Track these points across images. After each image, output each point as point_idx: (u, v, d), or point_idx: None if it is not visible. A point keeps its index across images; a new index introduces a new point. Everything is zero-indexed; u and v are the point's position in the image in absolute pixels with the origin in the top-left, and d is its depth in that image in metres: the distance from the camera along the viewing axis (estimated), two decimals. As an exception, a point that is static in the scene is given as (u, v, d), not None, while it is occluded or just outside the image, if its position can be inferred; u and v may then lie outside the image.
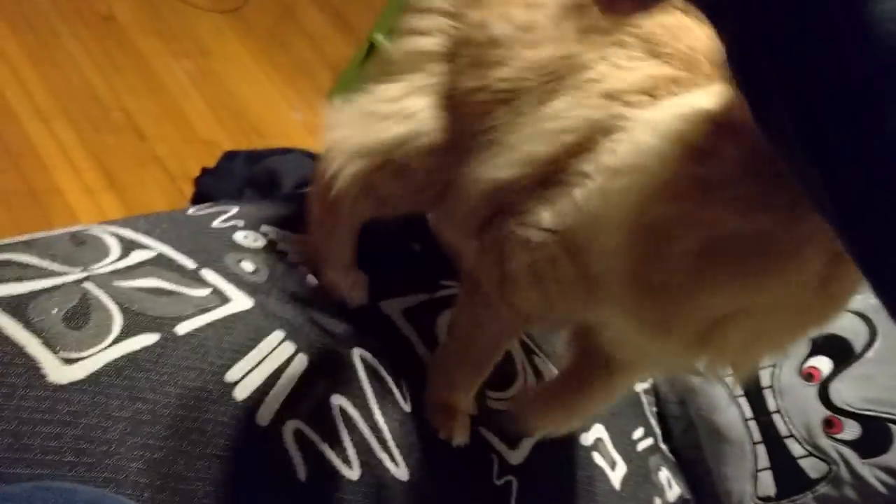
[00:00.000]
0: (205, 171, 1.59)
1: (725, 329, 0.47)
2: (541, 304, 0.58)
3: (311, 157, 1.68)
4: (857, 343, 1.03)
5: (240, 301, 0.72)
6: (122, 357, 0.59)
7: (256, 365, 0.67)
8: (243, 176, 1.55)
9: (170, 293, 0.69)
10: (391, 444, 0.70)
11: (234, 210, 0.86)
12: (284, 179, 1.45)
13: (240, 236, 0.81)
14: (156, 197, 1.48)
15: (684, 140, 0.41)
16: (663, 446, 1.10)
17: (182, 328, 0.65)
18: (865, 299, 1.06)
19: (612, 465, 0.92)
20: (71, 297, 0.62)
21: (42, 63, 1.56)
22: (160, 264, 0.71)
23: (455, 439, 0.73)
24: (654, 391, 1.18)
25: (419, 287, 0.87)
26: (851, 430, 0.97)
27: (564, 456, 0.86)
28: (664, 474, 1.02)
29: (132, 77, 1.70)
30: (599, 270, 0.48)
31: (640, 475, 0.96)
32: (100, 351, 0.59)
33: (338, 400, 0.68)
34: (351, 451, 0.67)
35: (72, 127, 1.49)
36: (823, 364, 1.03)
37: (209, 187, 1.53)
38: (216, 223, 0.82)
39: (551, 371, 0.94)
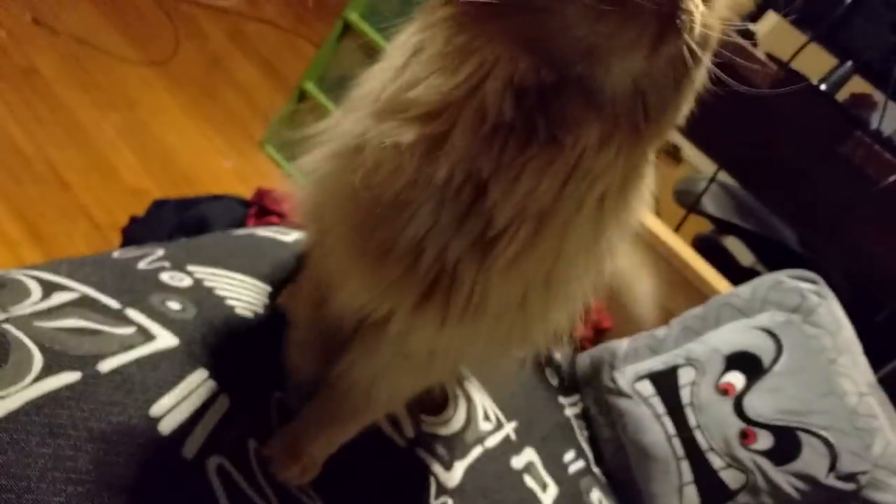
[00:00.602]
0: (133, 219, 1.57)
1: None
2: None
3: (242, 203, 1.69)
4: (766, 358, 1.10)
5: (165, 339, 0.72)
6: (42, 395, 0.59)
7: (181, 401, 0.67)
8: (173, 223, 1.54)
9: (93, 332, 0.68)
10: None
11: (160, 252, 0.87)
12: (215, 225, 1.45)
13: (166, 276, 0.82)
14: (81, 248, 1.45)
15: None
16: (596, 469, 1.13)
17: (105, 365, 0.65)
18: (772, 317, 1.14)
19: (544, 487, 0.94)
20: (-12, 338, 0.61)
21: (-41, 116, 1.53)
22: (83, 305, 0.71)
23: (295, 481, 0.68)
24: (586, 416, 1.22)
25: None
26: (765, 440, 1.03)
27: (497, 479, 0.88)
28: (596, 495, 1.05)
29: (56, 129, 1.68)
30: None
31: (571, 496, 0.98)
32: (19, 390, 0.58)
33: (254, 443, 0.69)
34: (269, 490, 0.67)
35: (-9, 180, 1.45)
36: (737, 379, 1.10)
37: (138, 235, 1.51)
38: (142, 265, 0.82)
39: (478, 394, 0.97)
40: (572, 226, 0.46)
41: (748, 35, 1.50)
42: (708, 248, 2.17)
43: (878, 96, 1.44)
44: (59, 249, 1.42)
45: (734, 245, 2.20)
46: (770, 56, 1.43)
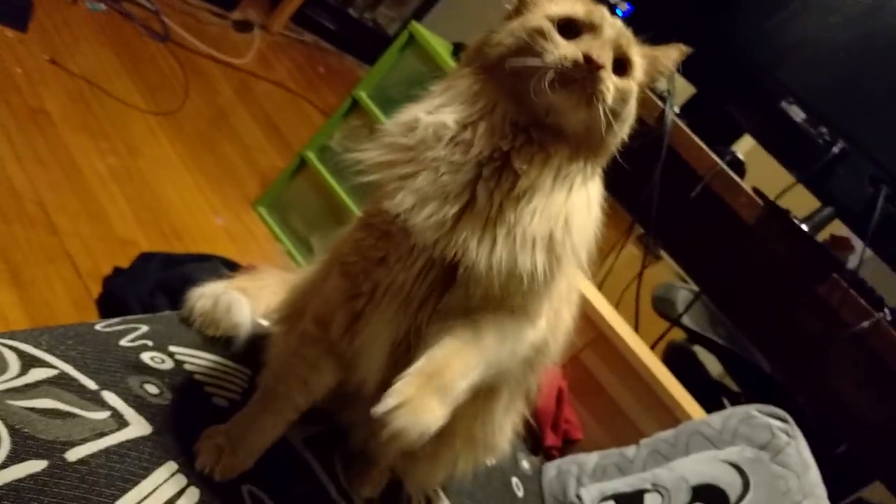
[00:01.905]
0: (117, 270, 1.56)
1: None
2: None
3: (230, 265, 1.69)
4: (732, 494, 1.10)
5: (138, 426, 0.72)
6: (5, 486, 0.58)
7: (146, 497, 0.65)
8: (156, 279, 1.53)
9: (66, 415, 0.68)
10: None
11: (144, 329, 0.86)
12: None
13: (147, 357, 0.81)
14: (60, 295, 1.43)
15: None
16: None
17: (73, 454, 0.64)
18: (741, 452, 1.15)
19: None
20: (-41, 416, 0.61)
21: (-41, 149, 1.54)
22: (60, 384, 0.70)
23: (218, 475, 0.72)
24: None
25: (320, 417, 0.88)
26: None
27: None
28: None
29: (54, 171, 1.68)
30: None
31: None
32: (-18, 478, 0.57)
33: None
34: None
35: (-21, 216, 1.45)
36: (702, 513, 1.09)
37: (119, 288, 1.50)
38: (124, 342, 0.82)
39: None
40: (566, 190, 0.68)
41: (737, 166, 1.57)
42: (680, 357, 2.20)
43: (858, 240, 1.50)
44: (36, 293, 1.40)
45: (704, 356, 2.23)
46: (756, 191, 1.49)
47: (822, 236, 1.51)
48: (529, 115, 0.66)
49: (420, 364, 0.65)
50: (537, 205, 0.67)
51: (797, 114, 1.45)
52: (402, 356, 0.73)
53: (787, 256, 1.44)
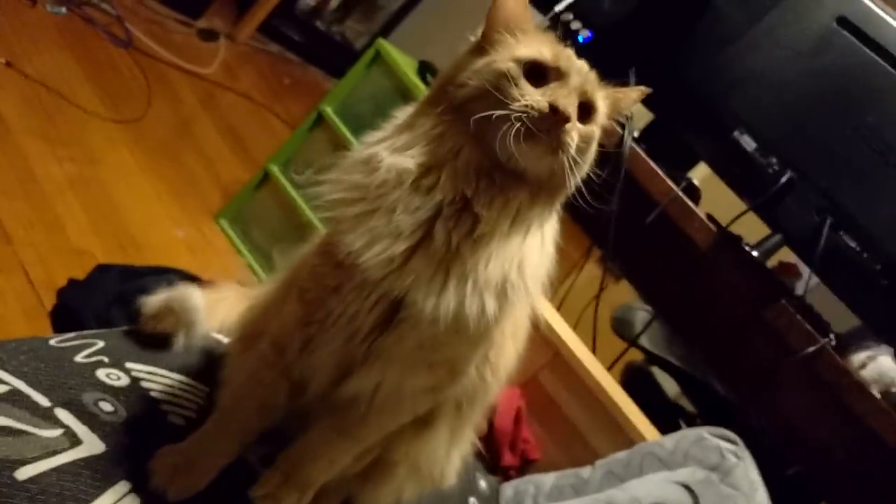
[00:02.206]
0: (72, 282, 1.52)
1: None
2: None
3: (190, 278, 1.66)
4: (683, 514, 1.13)
5: (92, 444, 0.70)
6: (-49, 506, 0.56)
7: (98, 517, 0.64)
8: (113, 292, 1.50)
9: (17, 432, 0.66)
10: None
11: (101, 344, 0.85)
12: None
13: (102, 374, 0.80)
14: (11, 305, 1.39)
15: None
16: None
17: (22, 473, 0.63)
18: (693, 473, 1.18)
19: None
20: None
21: None
22: (11, 400, 0.69)
23: (172, 495, 0.71)
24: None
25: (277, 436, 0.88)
26: None
27: None
28: None
29: (8, 177, 1.63)
30: None
31: None
32: (-74, 498, 0.55)
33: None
34: None
35: (-72, 223, 1.40)
36: (653, 533, 1.12)
37: (73, 301, 1.46)
38: (79, 357, 0.81)
39: None
40: (523, 234, 0.69)
41: (692, 192, 1.62)
42: (637, 378, 2.25)
43: (804, 266, 1.56)
44: (-14, 305, 1.36)
45: (662, 377, 2.28)
46: (710, 217, 1.54)
47: (771, 262, 1.56)
48: (492, 160, 0.66)
49: (289, 456, 0.78)
50: (493, 249, 0.67)
51: (748, 143, 1.51)
52: (345, 377, 0.74)
53: (738, 281, 1.48)
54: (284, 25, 3.58)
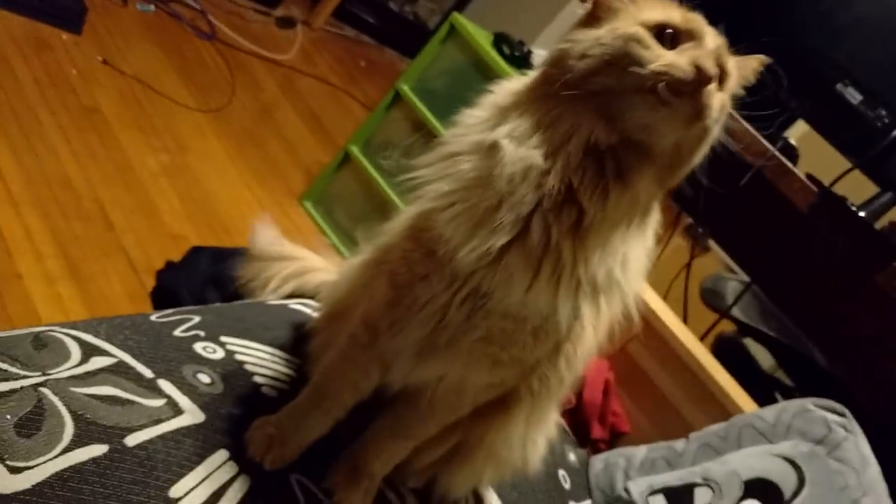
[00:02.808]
0: (169, 264, 1.61)
1: None
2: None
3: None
4: (787, 489, 1.07)
5: (192, 414, 0.73)
6: (69, 468, 0.60)
7: (200, 482, 0.67)
8: (207, 274, 1.57)
9: (125, 402, 0.70)
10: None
11: (196, 319, 0.88)
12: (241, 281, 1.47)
13: (199, 347, 0.83)
14: (116, 288, 1.48)
15: None
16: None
17: (132, 439, 0.66)
18: (796, 446, 1.12)
19: None
20: (26, 402, 0.63)
21: (21, 150, 1.60)
22: (118, 372, 0.73)
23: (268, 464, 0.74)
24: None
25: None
26: (780, 577, 1.00)
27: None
28: None
29: (109, 168, 1.74)
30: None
31: None
32: (48, 460, 0.59)
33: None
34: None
35: (40, 213, 1.50)
36: (755, 508, 1.07)
37: (171, 282, 1.55)
38: (178, 332, 0.84)
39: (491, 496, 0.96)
40: (631, 222, 0.64)
41: (789, 152, 1.52)
42: (730, 349, 2.15)
43: (919, 227, 1.43)
44: (94, 288, 1.46)
45: (755, 348, 2.17)
46: (811, 177, 1.44)
47: (880, 223, 1.45)
48: (616, 136, 0.60)
49: (353, 451, 0.80)
50: (596, 247, 0.62)
51: (854, 96, 1.40)
52: (427, 358, 0.73)
53: (845, 244, 1.39)
54: (358, 8, 3.62)
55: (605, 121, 0.60)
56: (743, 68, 0.66)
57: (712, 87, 0.58)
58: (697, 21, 0.61)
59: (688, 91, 0.57)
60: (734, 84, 0.64)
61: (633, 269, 0.66)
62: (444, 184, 0.65)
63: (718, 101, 0.60)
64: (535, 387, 0.79)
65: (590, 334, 0.75)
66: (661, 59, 0.58)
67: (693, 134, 0.60)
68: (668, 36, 0.60)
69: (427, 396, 0.76)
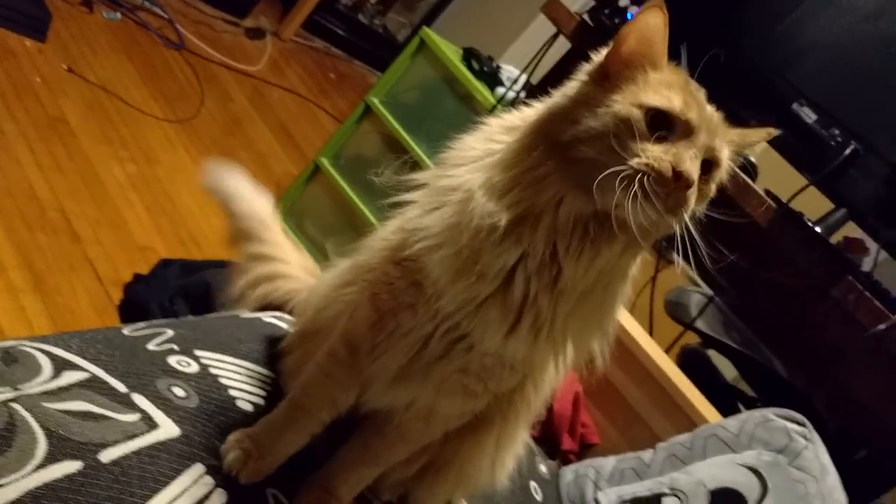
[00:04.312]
0: (137, 277, 1.58)
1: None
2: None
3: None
4: (751, 498, 1.10)
5: (167, 428, 0.73)
6: (43, 486, 0.59)
7: (176, 497, 0.67)
8: (176, 285, 1.56)
9: (98, 417, 0.69)
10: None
11: (170, 333, 0.88)
12: (218, 293, 1.46)
13: (173, 360, 0.83)
14: (82, 301, 1.46)
15: None
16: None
17: (106, 455, 0.66)
18: (759, 456, 1.15)
19: None
20: (-3, 418, 0.62)
21: (-17, 159, 1.57)
22: (91, 387, 0.72)
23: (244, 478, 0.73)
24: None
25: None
26: (744, 584, 1.02)
27: None
28: None
29: (75, 179, 1.71)
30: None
31: None
32: (20, 478, 0.59)
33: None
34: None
35: (3, 224, 1.47)
36: (720, 516, 1.09)
37: (140, 295, 1.53)
38: (151, 346, 0.84)
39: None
40: (604, 288, 0.66)
41: (749, 169, 1.57)
42: (694, 361, 2.20)
43: (872, 241, 1.50)
44: (60, 301, 1.43)
45: (718, 360, 2.22)
46: (769, 193, 1.49)
47: (835, 238, 1.51)
48: (592, 208, 0.61)
49: (323, 473, 0.79)
50: (575, 303, 0.64)
51: (808, 115, 1.46)
52: (399, 383, 0.74)
53: (802, 259, 1.44)
54: (327, 20, 3.63)
55: (584, 192, 0.60)
56: (743, 142, 0.67)
57: (691, 190, 0.59)
58: (696, 112, 0.61)
59: (663, 191, 0.58)
60: (723, 173, 0.65)
61: (607, 324, 0.69)
62: (431, 221, 0.67)
63: (701, 194, 0.61)
64: (504, 411, 0.80)
65: (555, 363, 0.77)
66: (645, 154, 0.58)
67: (671, 222, 0.60)
68: (664, 122, 0.60)
69: (395, 423, 0.77)
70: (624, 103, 0.60)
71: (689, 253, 0.64)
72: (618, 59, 0.63)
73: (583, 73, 0.65)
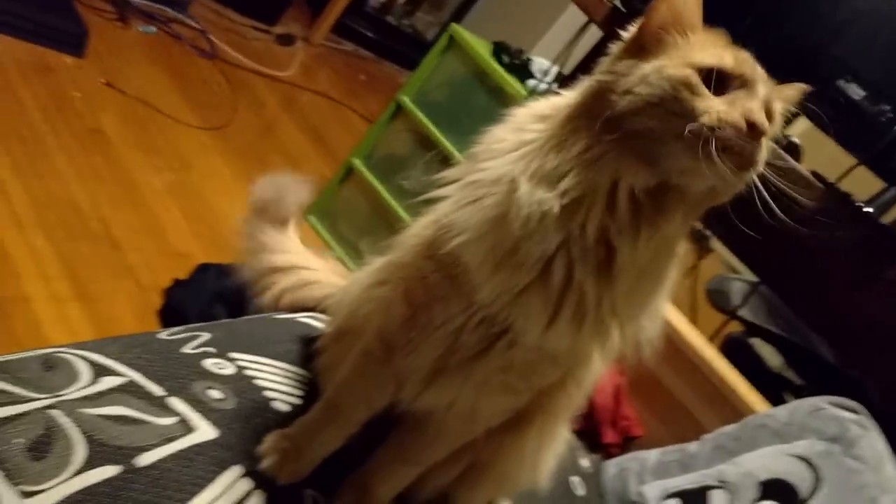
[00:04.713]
0: (176, 282, 1.61)
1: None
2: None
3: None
4: (804, 489, 1.06)
5: (204, 430, 0.73)
6: (81, 490, 0.60)
7: (215, 499, 0.67)
8: (214, 290, 1.58)
9: (135, 421, 0.70)
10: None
11: (206, 336, 0.88)
12: (255, 296, 1.47)
13: (209, 363, 0.83)
14: (124, 307, 1.49)
15: None
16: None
17: (143, 459, 0.66)
18: (811, 445, 1.11)
19: None
20: (36, 425, 0.63)
21: (26, 173, 1.61)
22: (128, 391, 0.73)
23: (282, 479, 0.73)
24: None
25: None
26: (800, 579, 0.98)
27: None
28: None
29: (114, 188, 1.75)
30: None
31: None
32: (59, 483, 0.59)
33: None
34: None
35: (46, 235, 1.51)
36: (772, 509, 1.06)
37: (178, 300, 1.55)
38: (187, 349, 0.84)
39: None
40: (659, 264, 0.64)
41: (793, 150, 1.52)
42: (738, 350, 2.14)
43: (926, 221, 1.43)
44: (102, 309, 1.46)
45: (763, 347, 2.16)
46: (816, 174, 1.44)
47: (887, 218, 1.45)
48: (655, 180, 0.58)
49: (361, 475, 0.79)
50: (625, 290, 0.62)
51: (856, 92, 1.40)
52: (437, 382, 0.73)
53: (852, 241, 1.38)
54: (356, 23, 3.64)
55: (645, 165, 0.58)
56: (785, 98, 0.64)
57: (765, 140, 0.56)
58: (750, 66, 0.59)
59: (738, 144, 0.55)
60: (778, 127, 0.62)
61: (657, 309, 0.66)
62: (467, 214, 0.64)
63: (766, 150, 0.58)
64: (546, 407, 0.78)
65: (597, 358, 0.73)
66: (713, 110, 0.55)
67: (745, 180, 0.58)
68: (718, 80, 0.57)
69: (435, 422, 0.76)
70: (675, 65, 0.57)
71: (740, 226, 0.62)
72: (652, 29, 0.60)
73: (616, 50, 0.62)
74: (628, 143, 0.58)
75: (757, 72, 0.59)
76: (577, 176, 0.59)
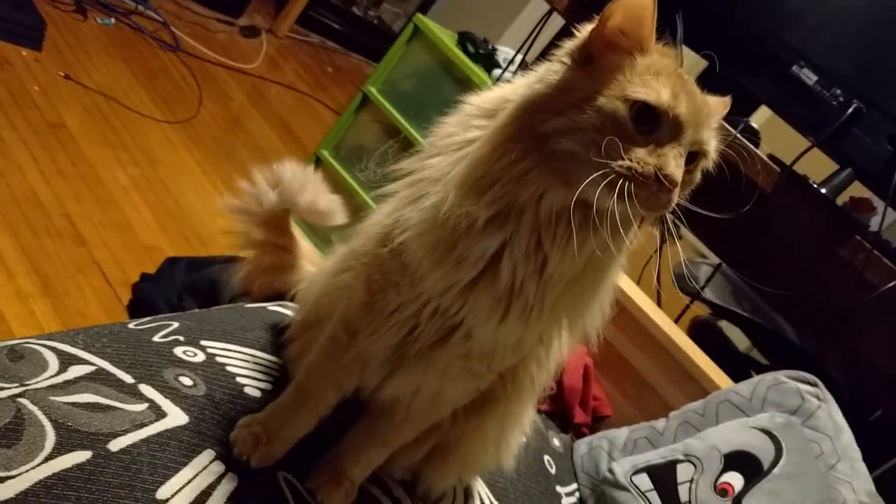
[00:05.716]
0: (144, 276, 1.59)
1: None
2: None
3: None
4: (765, 460, 1.10)
5: (176, 416, 0.74)
6: (53, 475, 0.60)
7: (187, 483, 0.67)
8: (183, 283, 1.57)
9: (106, 408, 0.70)
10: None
11: (175, 325, 0.88)
12: (224, 289, 1.47)
13: (179, 351, 0.83)
14: (91, 302, 1.47)
15: None
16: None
17: (115, 444, 0.66)
18: (772, 418, 1.15)
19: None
20: (5, 413, 0.63)
21: (-16, 168, 1.58)
22: (98, 379, 0.73)
23: (254, 462, 0.74)
24: (581, 506, 1.21)
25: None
26: (762, 545, 1.02)
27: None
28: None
29: (77, 183, 1.72)
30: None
31: None
32: (31, 469, 0.59)
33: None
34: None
35: (9, 231, 1.48)
36: (736, 480, 1.09)
37: (147, 293, 1.54)
38: (157, 338, 0.84)
39: (476, 484, 0.97)
40: (593, 273, 0.67)
41: (751, 133, 1.56)
42: (704, 332, 2.19)
43: (878, 200, 1.48)
44: (69, 304, 1.44)
45: (730, 329, 2.21)
46: (772, 157, 1.48)
47: (841, 199, 1.49)
48: (574, 199, 0.60)
49: (334, 456, 0.80)
50: (562, 290, 0.65)
51: (809, 77, 1.44)
52: (391, 375, 0.76)
53: (809, 221, 1.43)
54: (322, 14, 3.62)
55: (566, 185, 0.59)
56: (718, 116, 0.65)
57: (675, 192, 0.58)
58: (685, 107, 0.58)
59: (645, 190, 0.57)
60: (710, 162, 0.64)
61: (596, 310, 0.71)
62: (410, 213, 0.68)
63: (684, 184, 0.60)
64: (508, 389, 0.81)
65: (559, 340, 0.78)
66: (628, 158, 0.57)
67: (654, 218, 0.62)
68: (651, 116, 0.58)
69: (402, 406, 0.78)
70: (609, 97, 0.58)
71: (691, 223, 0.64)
72: (603, 39, 0.60)
73: (565, 52, 0.63)
74: (552, 161, 0.60)
75: (693, 110, 0.59)
76: (502, 188, 0.61)
